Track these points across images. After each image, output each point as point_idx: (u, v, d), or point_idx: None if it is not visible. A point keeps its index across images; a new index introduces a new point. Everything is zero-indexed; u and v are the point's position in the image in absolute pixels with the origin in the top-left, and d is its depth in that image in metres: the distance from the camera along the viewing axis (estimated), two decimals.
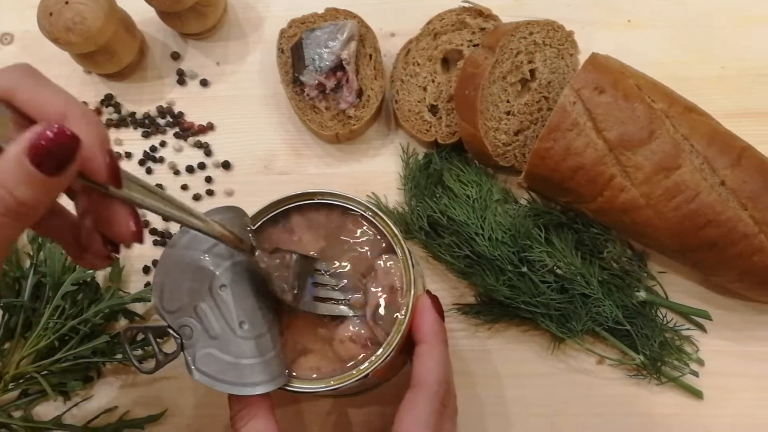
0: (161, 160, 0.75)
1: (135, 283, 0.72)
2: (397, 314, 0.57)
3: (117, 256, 0.51)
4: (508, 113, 0.67)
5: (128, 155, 0.76)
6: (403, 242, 0.57)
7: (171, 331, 0.53)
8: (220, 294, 0.55)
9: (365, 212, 0.59)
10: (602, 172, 0.62)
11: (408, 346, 0.59)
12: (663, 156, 0.61)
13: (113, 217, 0.47)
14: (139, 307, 0.70)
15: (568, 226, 0.67)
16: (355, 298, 0.58)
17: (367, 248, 0.59)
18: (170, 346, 0.53)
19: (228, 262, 0.56)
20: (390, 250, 0.58)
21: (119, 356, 0.69)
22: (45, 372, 0.67)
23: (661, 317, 0.67)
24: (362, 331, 0.58)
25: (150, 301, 0.69)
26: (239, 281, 0.56)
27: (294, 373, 0.57)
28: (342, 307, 0.58)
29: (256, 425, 0.53)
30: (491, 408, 0.66)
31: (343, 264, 0.59)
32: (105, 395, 0.70)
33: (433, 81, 0.71)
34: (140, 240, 0.49)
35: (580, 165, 0.62)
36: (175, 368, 0.68)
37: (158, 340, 0.54)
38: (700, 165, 0.62)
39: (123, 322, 0.71)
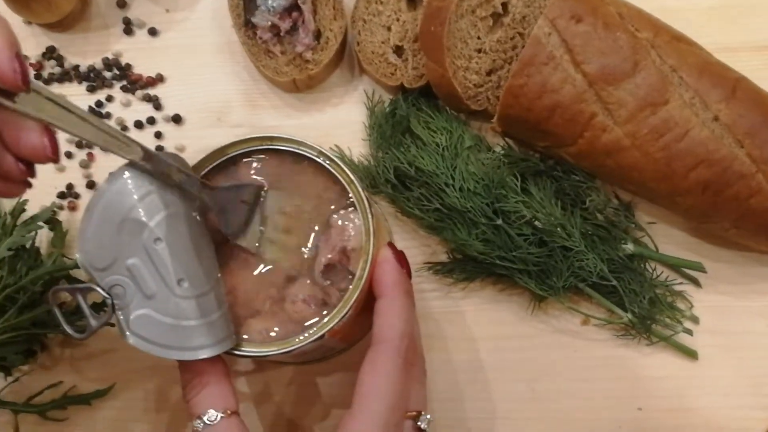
0: (108, 115, 0.70)
1: None
2: (352, 272, 0.51)
3: (31, 180, 0.47)
4: (479, 51, 0.61)
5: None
6: (362, 192, 0.52)
7: (100, 291, 0.48)
8: (155, 248, 0.49)
9: (318, 158, 0.53)
10: (582, 111, 0.56)
11: (371, 305, 0.54)
12: (648, 90, 0.55)
13: (23, 133, 0.43)
14: (83, 274, 0.65)
15: (547, 174, 0.62)
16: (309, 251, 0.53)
17: (321, 199, 0.54)
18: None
19: (163, 213, 0.50)
20: (350, 204, 0.53)
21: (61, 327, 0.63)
22: None
23: (651, 271, 0.61)
24: (316, 293, 0.53)
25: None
26: (176, 235, 0.50)
27: (244, 337, 0.52)
28: (284, 264, 0.53)
29: (208, 394, 0.48)
30: (466, 374, 0.61)
31: (297, 213, 0.54)
32: (49, 369, 0.65)
33: (398, 20, 0.65)
34: (56, 157, 0.45)
35: (557, 103, 0.57)
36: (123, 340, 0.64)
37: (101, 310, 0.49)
38: (690, 99, 0.56)
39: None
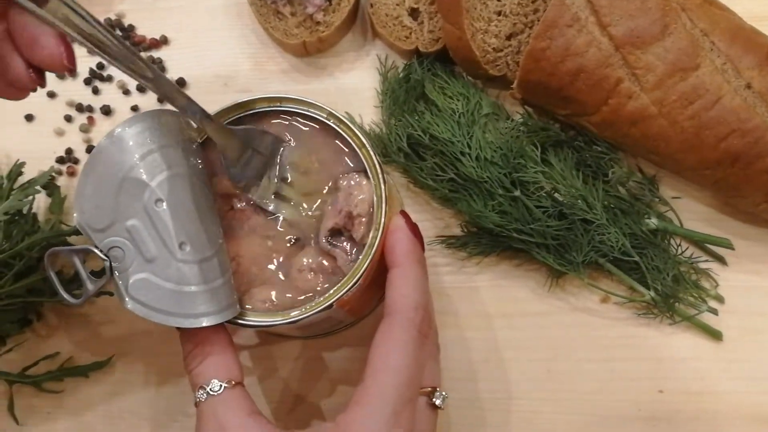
0: (109, 78, 0.67)
1: None
2: (356, 239, 0.49)
3: (41, 85, 0.45)
4: (498, 13, 0.58)
5: (71, 73, 0.67)
6: (374, 156, 0.49)
7: (98, 252, 0.45)
8: (156, 210, 0.47)
9: (328, 120, 0.51)
10: (607, 76, 0.53)
11: (382, 276, 0.51)
12: (678, 54, 0.52)
13: (40, 38, 0.42)
14: (81, 241, 0.62)
15: (568, 144, 0.59)
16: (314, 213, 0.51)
17: (331, 164, 0.51)
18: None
19: (165, 173, 0.47)
20: (360, 170, 0.50)
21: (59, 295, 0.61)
22: None
23: (675, 247, 0.58)
24: (324, 261, 0.50)
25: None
26: (179, 196, 0.48)
27: (247, 306, 0.49)
28: (292, 227, 0.51)
29: (211, 364, 0.46)
30: (480, 352, 0.58)
31: (307, 174, 0.52)
32: (45, 339, 0.62)
33: None
34: (73, 66, 0.44)
35: (581, 67, 0.54)
36: (123, 312, 0.60)
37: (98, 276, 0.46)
38: (722, 65, 0.53)
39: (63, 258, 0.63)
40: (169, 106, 0.49)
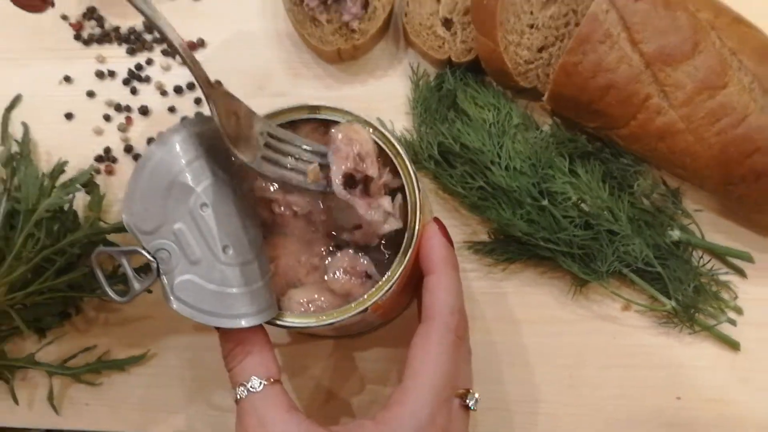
0: (147, 79, 0.69)
1: (116, 214, 0.67)
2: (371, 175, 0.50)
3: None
4: (531, 26, 0.60)
5: (112, 74, 0.69)
6: (409, 164, 0.51)
7: (146, 254, 0.47)
8: (201, 214, 0.49)
9: (365, 128, 0.52)
10: (637, 92, 0.55)
11: (413, 281, 0.53)
12: (707, 73, 0.54)
13: None
14: (120, 239, 0.64)
15: (595, 156, 0.60)
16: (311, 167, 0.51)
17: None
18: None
19: (210, 179, 0.50)
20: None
21: (98, 290, 0.63)
22: (18, 306, 0.62)
23: (697, 259, 0.60)
24: (358, 264, 0.52)
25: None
26: (223, 201, 0.50)
27: (284, 307, 0.51)
28: (298, 176, 0.52)
29: (251, 362, 0.48)
30: (506, 356, 0.60)
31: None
32: (84, 333, 0.65)
33: None
34: None
35: (612, 83, 0.55)
36: (159, 307, 0.63)
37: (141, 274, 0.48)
38: (750, 84, 0.54)
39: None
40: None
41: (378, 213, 0.50)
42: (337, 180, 0.50)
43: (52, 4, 0.52)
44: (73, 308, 0.65)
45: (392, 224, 0.50)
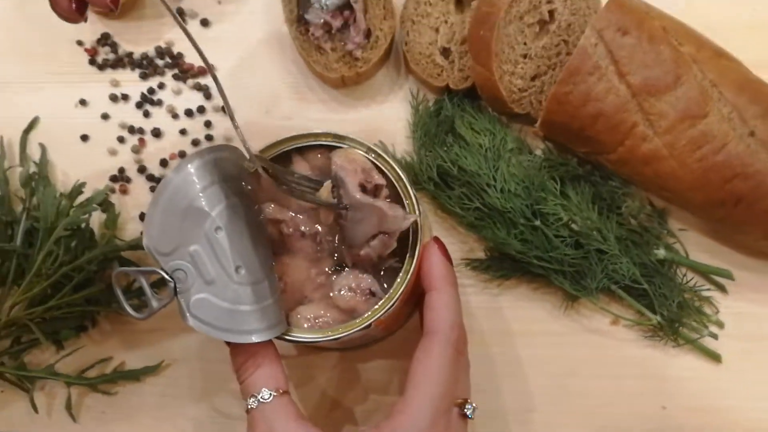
0: (159, 102, 0.72)
1: (130, 231, 0.70)
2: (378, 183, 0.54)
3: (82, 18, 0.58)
4: (524, 56, 0.63)
5: (125, 97, 0.72)
6: (410, 188, 0.54)
7: (164, 274, 0.51)
8: (216, 237, 0.52)
9: (368, 154, 0.55)
10: (624, 120, 0.59)
11: (414, 297, 0.57)
12: (689, 103, 0.57)
13: None
14: (134, 256, 0.68)
15: (585, 179, 0.64)
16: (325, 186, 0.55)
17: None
18: (165, 293, 0.50)
19: (224, 203, 0.53)
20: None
21: (114, 305, 0.66)
22: (38, 320, 0.65)
23: (681, 276, 0.63)
24: (362, 282, 0.55)
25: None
26: (235, 225, 0.53)
27: (293, 323, 0.54)
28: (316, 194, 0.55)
29: (261, 375, 0.51)
30: (502, 367, 0.64)
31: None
32: (100, 345, 0.68)
33: (446, 22, 0.67)
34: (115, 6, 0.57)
35: (601, 111, 0.59)
36: (171, 319, 0.66)
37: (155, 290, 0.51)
38: (729, 114, 0.58)
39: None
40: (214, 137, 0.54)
41: (397, 209, 0.53)
42: (353, 189, 0.53)
43: (86, 20, 0.58)
44: (89, 321, 0.68)
45: (409, 219, 0.53)
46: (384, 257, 0.55)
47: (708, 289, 0.63)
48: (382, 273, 0.56)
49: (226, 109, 0.53)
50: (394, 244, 0.54)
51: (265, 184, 0.56)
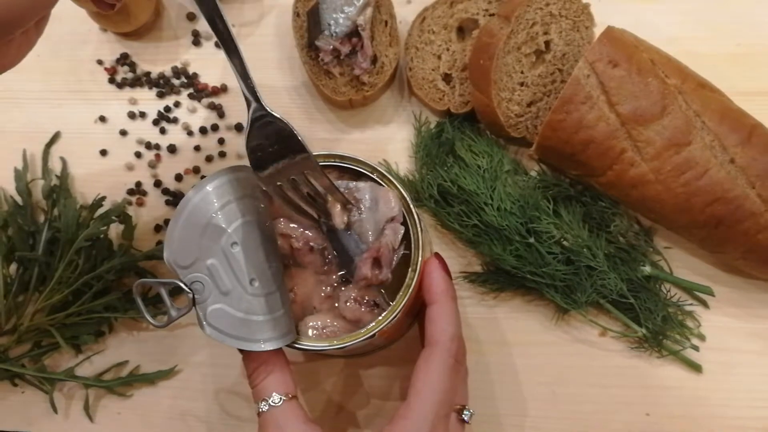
0: (175, 120, 0.76)
1: (146, 242, 0.73)
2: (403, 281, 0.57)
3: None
4: (521, 84, 0.68)
5: (142, 115, 0.76)
6: (412, 206, 0.58)
7: (183, 286, 0.54)
8: (232, 251, 0.56)
9: (372, 174, 0.59)
10: (613, 146, 0.63)
11: (415, 308, 0.60)
12: (674, 132, 0.61)
13: None
14: (150, 265, 0.71)
15: (576, 199, 0.68)
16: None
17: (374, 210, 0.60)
18: (180, 303, 0.54)
19: (239, 220, 0.57)
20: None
21: (131, 312, 0.70)
22: (58, 325, 0.69)
23: (665, 292, 0.67)
24: (367, 294, 0.59)
25: (161, 258, 0.71)
26: (250, 239, 0.57)
27: (302, 332, 0.58)
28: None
29: (272, 381, 0.55)
30: (497, 375, 0.68)
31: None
32: (116, 349, 0.71)
33: (448, 49, 0.71)
34: None
35: (592, 138, 0.63)
36: (184, 326, 0.70)
37: (186, 306, 0.55)
38: (711, 142, 0.62)
39: (134, 279, 0.72)
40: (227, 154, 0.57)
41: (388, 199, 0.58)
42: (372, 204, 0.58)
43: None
44: (107, 327, 0.72)
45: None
46: (396, 248, 0.58)
47: (690, 304, 0.67)
48: (383, 288, 0.60)
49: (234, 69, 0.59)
50: (402, 228, 0.58)
51: (276, 202, 0.60)
